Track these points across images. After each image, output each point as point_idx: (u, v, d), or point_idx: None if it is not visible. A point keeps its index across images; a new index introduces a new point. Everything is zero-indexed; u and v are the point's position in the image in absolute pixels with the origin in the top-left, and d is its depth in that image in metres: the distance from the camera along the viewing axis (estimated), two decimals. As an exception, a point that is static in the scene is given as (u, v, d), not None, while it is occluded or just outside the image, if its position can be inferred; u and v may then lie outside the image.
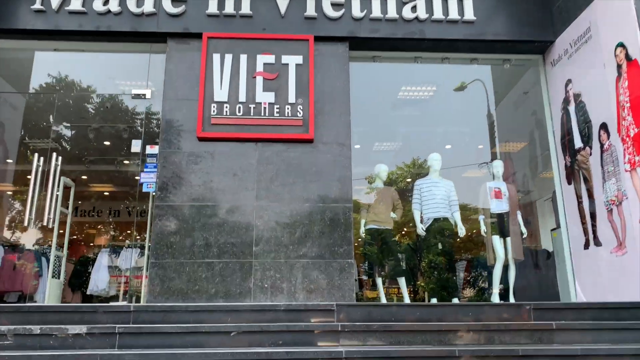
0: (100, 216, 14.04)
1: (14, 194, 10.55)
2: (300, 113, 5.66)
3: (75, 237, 13.77)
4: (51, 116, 7.93)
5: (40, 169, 5.56)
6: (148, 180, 5.61)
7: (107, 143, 10.16)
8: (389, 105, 8.46)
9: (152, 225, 5.40)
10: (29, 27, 5.77)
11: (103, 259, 7.69)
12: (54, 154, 5.53)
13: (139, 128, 11.17)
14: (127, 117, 10.67)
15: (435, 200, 6.11)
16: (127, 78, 7.30)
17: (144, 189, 5.61)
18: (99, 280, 7.53)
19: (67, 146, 10.81)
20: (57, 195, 5.62)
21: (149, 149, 5.73)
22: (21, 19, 5.78)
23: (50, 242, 8.74)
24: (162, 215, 5.32)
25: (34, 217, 5.43)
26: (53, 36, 5.91)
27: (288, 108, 5.67)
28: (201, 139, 5.56)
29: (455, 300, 5.95)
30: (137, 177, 11.94)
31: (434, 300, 5.83)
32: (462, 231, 6.07)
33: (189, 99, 5.69)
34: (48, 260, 8.01)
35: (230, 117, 5.61)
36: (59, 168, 5.60)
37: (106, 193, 13.48)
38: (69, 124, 9.67)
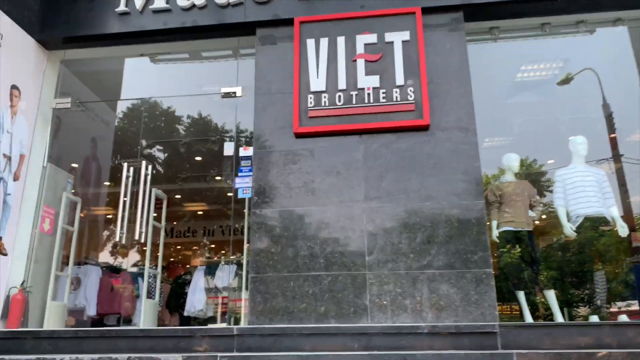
0: (195, 236, 14.00)
1: (108, 216, 10.63)
2: (411, 96, 4.79)
3: (172, 258, 13.75)
4: (141, 127, 7.68)
5: (130, 179, 5.16)
6: (243, 185, 5.00)
7: (198, 158, 9.92)
8: (503, 91, 7.36)
9: (249, 235, 4.75)
10: (115, 31, 5.46)
11: (199, 279, 7.22)
12: (143, 162, 5.09)
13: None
14: (217, 135, 10.43)
15: (586, 193, 4.93)
16: (215, 83, 6.89)
17: (239, 195, 5.00)
18: (196, 300, 7.06)
19: (161, 168, 10.75)
20: (148, 207, 5.17)
21: (243, 151, 5.13)
22: (106, 24, 5.49)
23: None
24: (260, 223, 4.66)
25: (125, 232, 5.01)
26: (139, 39, 5.55)
27: (396, 92, 4.83)
28: (299, 135, 4.86)
29: (594, 319, 4.73)
30: (229, 194, 11.70)
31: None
32: (623, 230, 4.83)
33: (283, 92, 5.04)
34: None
35: (329, 109, 4.87)
36: (149, 178, 5.16)
37: (200, 212, 13.38)
38: (159, 142, 9.56)
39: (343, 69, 4.97)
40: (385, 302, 4.28)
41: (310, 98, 4.93)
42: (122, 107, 8.35)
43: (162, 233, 5.75)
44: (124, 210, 4.99)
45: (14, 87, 5.14)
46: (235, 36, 5.52)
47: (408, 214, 4.53)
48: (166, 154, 10.80)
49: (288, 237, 4.59)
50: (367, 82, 4.90)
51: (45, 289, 5.30)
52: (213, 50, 5.97)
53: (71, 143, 6.17)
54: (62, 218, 5.52)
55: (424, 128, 4.71)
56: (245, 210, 5.25)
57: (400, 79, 4.85)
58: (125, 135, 9.09)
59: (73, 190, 5.88)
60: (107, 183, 8.43)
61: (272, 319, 4.33)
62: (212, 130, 11.09)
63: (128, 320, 7.40)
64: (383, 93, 4.85)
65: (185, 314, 7.20)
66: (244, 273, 5.33)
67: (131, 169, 5.12)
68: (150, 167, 5.15)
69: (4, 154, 4.95)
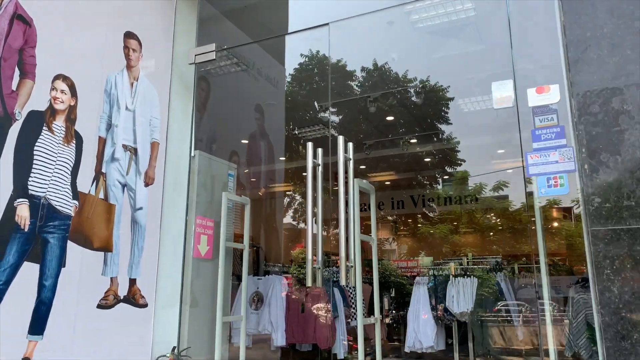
0: (381, 209, 11.90)
1: (291, 200, 8.94)
2: None
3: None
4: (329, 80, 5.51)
5: (319, 169, 2.88)
6: (546, 169, 2.34)
7: (389, 118, 7.50)
8: None
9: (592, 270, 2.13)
10: None
11: (421, 298, 4.87)
12: (340, 139, 2.75)
13: (420, 99, 8.23)
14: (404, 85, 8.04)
15: None
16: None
17: (540, 192, 2.35)
18: (421, 332, 4.74)
19: (336, 132, 8.62)
20: (353, 213, 2.82)
21: (535, 96, 2.45)
22: None
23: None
24: (614, 256, 2.00)
25: (320, 265, 2.78)
26: None
27: None
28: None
29: None
30: (427, 159, 9.14)
31: None
32: None
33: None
34: (344, 296, 5.69)
35: None
36: (351, 164, 2.82)
37: (387, 182, 11.19)
38: (344, 101, 7.40)
39: None
40: None
41: None
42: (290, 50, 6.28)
43: (375, 250, 3.41)
44: (314, 229, 2.75)
45: (129, 35, 3.20)
46: None
47: None
48: (342, 116, 8.66)
49: None
50: None
51: (212, 341, 3.44)
52: None
53: (227, 116, 4.21)
54: (224, 231, 3.56)
55: None
56: (536, 214, 2.62)
57: None
58: (295, 99, 7.10)
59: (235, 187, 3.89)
60: (282, 158, 6.53)
61: None
62: (392, 81, 8.61)
63: (327, 354, 5.47)
64: None
65: (407, 349, 4.94)
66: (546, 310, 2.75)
67: (319, 151, 2.84)
68: (350, 145, 2.80)
69: (124, 145, 3.07)
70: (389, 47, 5.35)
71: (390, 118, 7.25)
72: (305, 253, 2.78)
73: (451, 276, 4.74)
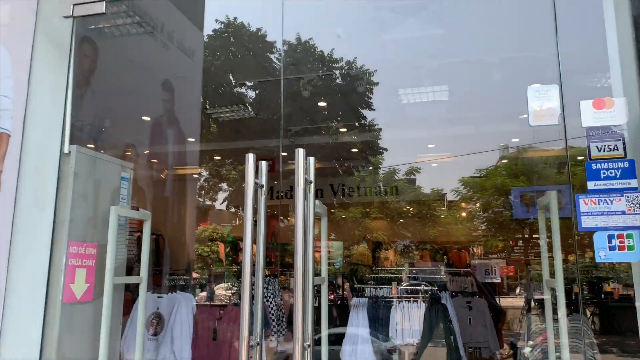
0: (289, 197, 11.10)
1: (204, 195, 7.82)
2: None
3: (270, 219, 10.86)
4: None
5: (262, 192, 1.93)
6: (603, 221, 1.59)
7: (322, 104, 6.62)
8: None
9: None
10: None
11: (359, 320, 4.10)
12: (301, 152, 1.80)
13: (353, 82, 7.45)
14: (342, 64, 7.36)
15: None
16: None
17: (597, 258, 1.60)
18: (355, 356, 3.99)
19: (260, 114, 7.66)
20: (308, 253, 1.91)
21: (592, 113, 1.67)
22: None
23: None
24: None
25: (261, 336, 1.86)
26: None
27: None
28: None
29: None
30: (354, 150, 8.46)
31: None
32: None
33: None
34: (264, 314, 4.81)
35: None
36: (312, 188, 1.89)
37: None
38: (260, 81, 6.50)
39: None
40: None
41: None
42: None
43: (325, 290, 2.55)
44: (253, 286, 1.81)
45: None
46: None
47: None
48: (260, 92, 7.68)
49: None
50: None
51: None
52: None
53: (123, 95, 3.08)
54: (112, 261, 2.50)
55: None
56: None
57: None
58: (207, 71, 5.99)
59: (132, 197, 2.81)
60: (192, 140, 5.39)
61: None
62: (317, 60, 7.79)
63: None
64: None
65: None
66: None
67: (262, 166, 1.89)
68: (312, 161, 1.87)
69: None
70: (333, 20, 4.42)
71: (322, 104, 6.37)
72: (241, 321, 1.84)
73: (395, 299, 4.02)
